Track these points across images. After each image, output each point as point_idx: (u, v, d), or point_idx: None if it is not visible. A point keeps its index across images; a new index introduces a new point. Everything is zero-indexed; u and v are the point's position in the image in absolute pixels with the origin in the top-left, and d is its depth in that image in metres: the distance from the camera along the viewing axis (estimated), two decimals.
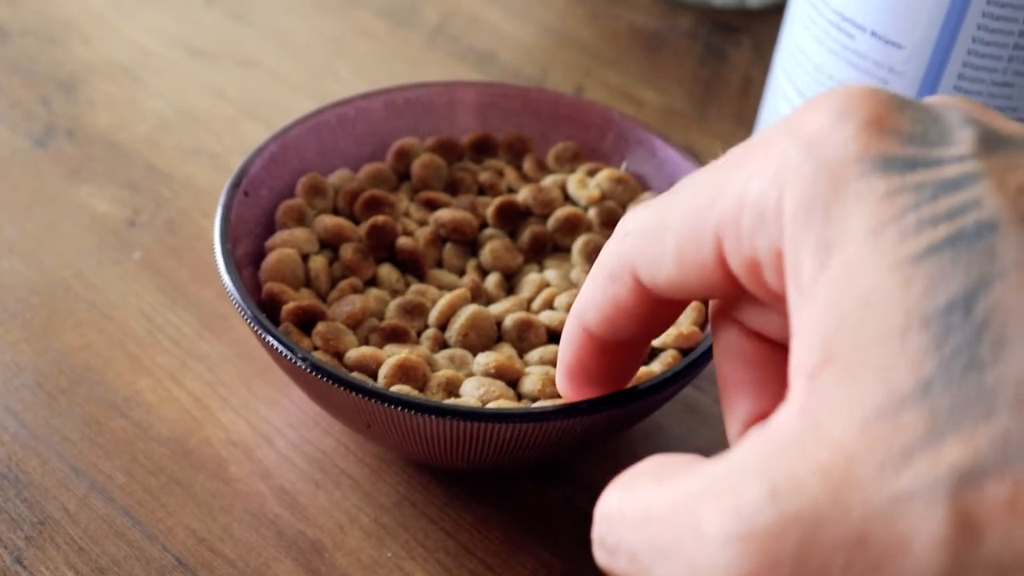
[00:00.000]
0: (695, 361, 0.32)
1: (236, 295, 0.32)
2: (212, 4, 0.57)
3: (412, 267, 0.37)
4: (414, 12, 0.59)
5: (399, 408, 0.30)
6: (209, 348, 0.40)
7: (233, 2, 0.58)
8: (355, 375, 0.33)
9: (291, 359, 0.31)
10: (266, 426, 0.37)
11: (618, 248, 0.24)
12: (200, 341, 0.40)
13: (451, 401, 0.32)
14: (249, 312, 0.32)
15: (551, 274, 0.38)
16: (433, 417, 0.30)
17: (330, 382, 0.30)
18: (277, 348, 0.31)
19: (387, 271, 0.37)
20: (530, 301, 0.37)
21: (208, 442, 0.37)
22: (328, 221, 0.37)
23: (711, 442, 0.38)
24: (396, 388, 0.32)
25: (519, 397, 0.33)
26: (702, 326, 0.35)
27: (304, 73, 0.54)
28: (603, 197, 0.40)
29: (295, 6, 0.58)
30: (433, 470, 0.36)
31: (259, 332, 0.32)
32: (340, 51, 0.56)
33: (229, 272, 0.33)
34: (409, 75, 0.54)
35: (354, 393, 0.30)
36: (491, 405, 0.32)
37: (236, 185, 0.36)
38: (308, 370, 0.30)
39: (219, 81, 0.52)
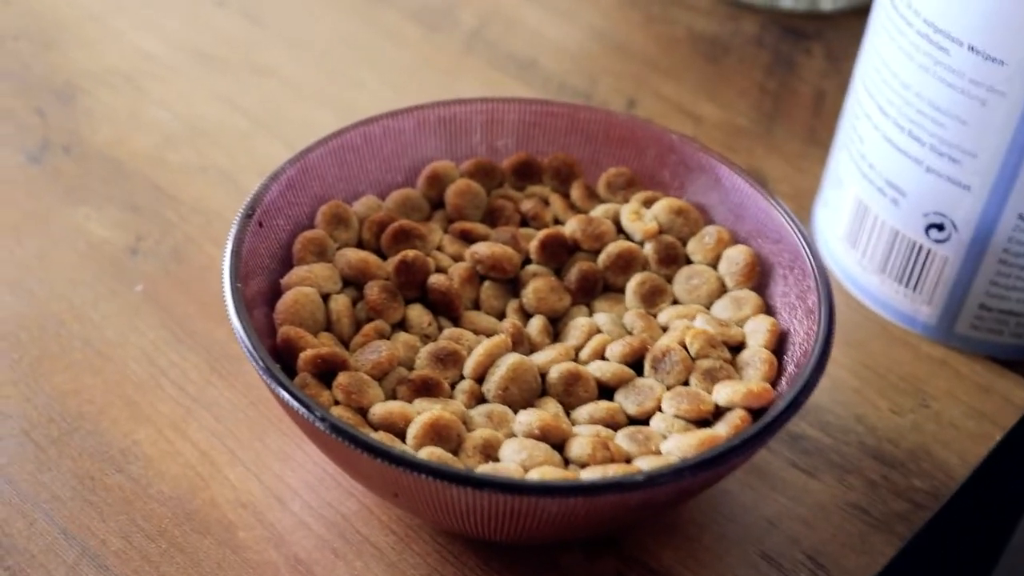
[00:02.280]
0: (768, 426, 0.30)
1: (247, 342, 0.31)
2: (224, 3, 0.57)
3: (445, 308, 0.36)
4: (449, 15, 0.57)
5: (429, 477, 0.28)
6: (218, 394, 0.39)
7: (247, 3, 0.57)
8: (380, 435, 0.31)
9: (307, 418, 0.30)
10: (280, 485, 0.36)
11: None
12: (208, 386, 0.39)
13: (488, 468, 0.31)
14: (261, 362, 0.31)
15: (602, 318, 0.36)
16: (469, 489, 0.28)
17: (351, 445, 0.29)
18: (292, 404, 0.30)
19: (418, 313, 0.36)
20: (578, 350, 0.35)
21: (214, 503, 0.35)
22: (352, 256, 0.36)
23: (782, 510, 0.36)
24: (427, 451, 0.31)
25: (566, 462, 0.32)
26: (774, 383, 0.34)
27: (326, 82, 0.53)
28: (660, 230, 0.38)
29: (317, 6, 0.57)
30: (468, 538, 0.35)
31: (272, 385, 0.30)
32: (366, 58, 0.55)
33: (239, 315, 0.32)
34: (442, 85, 0.53)
35: (378, 459, 0.29)
36: (534, 473, 0.30)
37: (249, 215, 0.35)
38: (327, 431, 0.29)
39: (231, 90, 0.51)
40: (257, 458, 0.37)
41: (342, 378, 0.33)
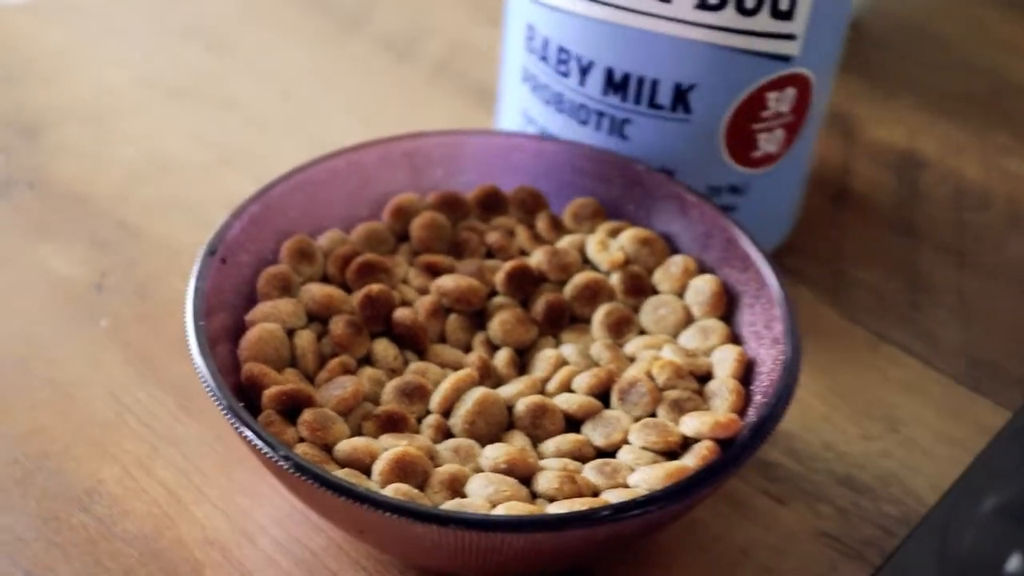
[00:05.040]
0: (734, 457, 0.31)
1: (210, 380, 0.31)
2: (190, 36, 0.57)
3: (411, 342, 0.36)
4: (416, 44, 0.58)
5: (394, 515, 0.28)
6: (184, 431, 0.38)
7: (213, 34, 0.57)
8: (345, 472, 0.31)
9: (271, 456, 0.30)
10: (248, 521, 0.36)
11: None
12: (174, 423, 0.39)
13: (454, 504, 0.31)
14: (224, 401, 0.31)
15: (568, 350, 0.36)
16: (433, 526, 0.28)
17: (315, 483, 0.29)
18: (255, 442, 0.30)
19: (383, 347, 0.36)
20: (545, 382, 0.35)
21: (181, 541, 0.35)
22: (316, 291, 0.36)
23: (754, 540, 0.36)
24: (392, 488, 0.31)
25: (533, 496, 0.32)
26: (742, 413, 0.34)
27: (292, 114, 0.53)
28: (627, 261, 0.38)
29: (283, 37, 0.58)
30: (438, 573, 0.35)
31: (234, 423, 0.30)
32: (333, 89, 0.55)
33: (202, 353, 0.32)
34: (409, 115, 0.53)
35: (342, 497, 0.29)
36: (501, 508, 0.30)
37: (212, 252, 0.35)
38: (290, 469, 0.29)
39: (197, 124, 0.51)
40: (224, 495, 0.37)
41: (307, 415, 0.33)
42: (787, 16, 0.38)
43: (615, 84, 0.40)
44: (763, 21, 0.38)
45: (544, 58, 0.41)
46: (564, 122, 0.42)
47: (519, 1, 0.42)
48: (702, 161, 0.41)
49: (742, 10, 0.38)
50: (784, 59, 0.39)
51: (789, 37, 0.38)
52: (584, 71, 0.40)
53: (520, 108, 0.44)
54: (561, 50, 0.40)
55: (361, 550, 0.35)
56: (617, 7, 0.38)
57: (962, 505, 0.39)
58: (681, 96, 0.39)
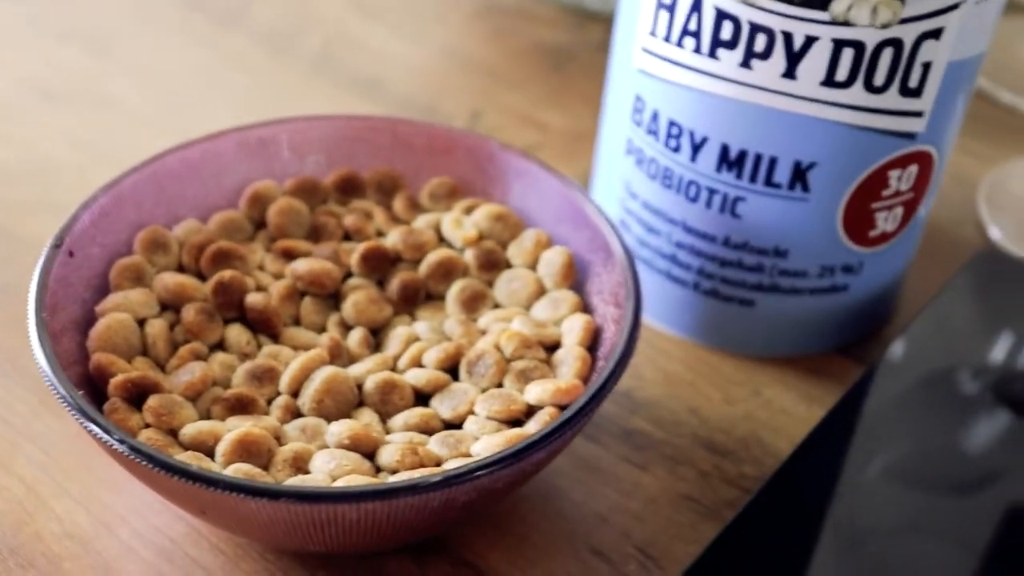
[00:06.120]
0: (569, 420, 0.31)
1: (47, 371, 0.31)
2: (67, 38, 0.57)
3: (264, 327, 0.36)
4: (295, 37, 0.58)
5: (224, 491, 0.28)
6: (45, 426, 0.38)
7: (91, 35, 0.57)
8: (188, 455, 0.31)
9: (108, 442, 0.30)
10: (107, 513, 0.36)
11: None
12: (35, 419, 0.39)
13: (296, 480, 0.31)
14: (61, 389, 0.31)
15: (421, 327, 0.37)
16: (265, 500, 0.29)
17: (150, 465, 0.29)
18: (91, 429, 0.30)
19: (236, 333, 0.36)
20: (396, 359, 0.36)
21: (39, 536, 0.35)
22: (169, 280, 0.36)
23: (613, 505, 0.37)
24: (233, 468, 0.31)
25: (377, 470, 0.32)
26: (585, 379, 0.34)
27: (171, 113, 0.53)
28: (481, 237, 0.39)
29: (162, 36, 0.58)
30: (296, 553, 0.35)
31: (72, 412, 0.30)
32: (212, 85, 0.55)
33: (41, 344, 0.32)
34: (289, 109, 0.53)
35: (176, 476, 0.29)
36: (340, 482, 0.31)
37: (57, 245, 0.35)
38: (126, 453, 0.29)
39: (72, 125, 0.51)
40: (84, 488, 0.37)
41: (152, 400, 0.33)
42: (916, 93, 0.36)
43: (730, 161, 0.38)
44: (891, 98, 0.36)
45: (653, 132, 0.39)
46: (671, 197, 0.40)
47: (625, 70, 0.40)
48: (817, 241, 0.39)
49: (870, 87, 0.36)
50: (909, 136, 0.37)
51: (916, 114, 0.37)
52: (697, 147, 0.38)
53: (622, 180, 0.42)
54: (672, 124, 0.38)
55: (220, 535, 0.35)
56: (737, 83, 0.36)
57: (848, 471, 0.39)
58: (800, 175, 0.37)
